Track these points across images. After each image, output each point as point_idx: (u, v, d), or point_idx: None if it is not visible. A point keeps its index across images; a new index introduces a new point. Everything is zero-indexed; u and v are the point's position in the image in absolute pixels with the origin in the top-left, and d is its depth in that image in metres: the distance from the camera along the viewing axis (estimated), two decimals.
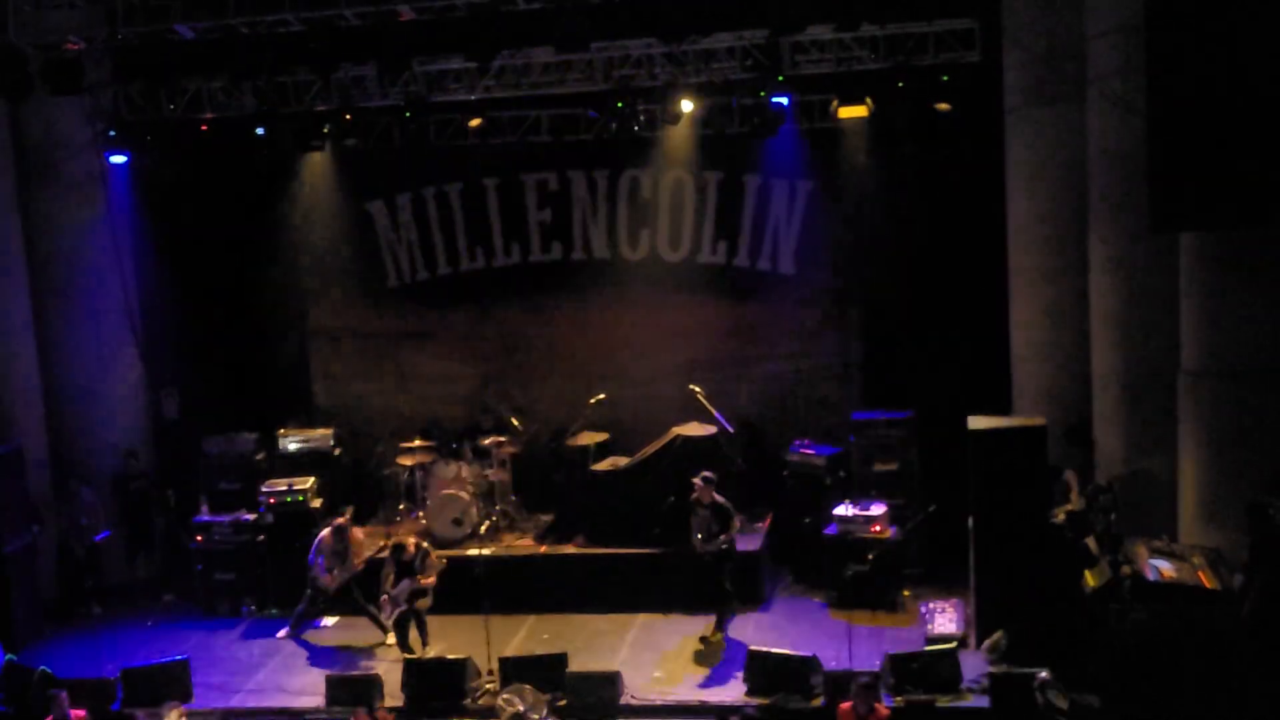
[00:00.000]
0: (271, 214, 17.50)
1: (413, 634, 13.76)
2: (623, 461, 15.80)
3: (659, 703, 12.61)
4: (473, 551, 14.39)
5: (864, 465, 15.11)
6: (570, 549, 15.40)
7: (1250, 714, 10.77)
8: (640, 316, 17.14)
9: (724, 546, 13.61)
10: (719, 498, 13.69)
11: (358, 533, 14.86)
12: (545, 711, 11.99)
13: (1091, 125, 13.51)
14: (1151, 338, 13.04)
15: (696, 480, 13.73)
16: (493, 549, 14.81)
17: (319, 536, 14.44)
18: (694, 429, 15.66)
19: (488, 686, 12.73)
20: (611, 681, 12.61)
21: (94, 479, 16.05)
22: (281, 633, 14.64)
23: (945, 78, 14.16)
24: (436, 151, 16.59)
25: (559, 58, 14.67)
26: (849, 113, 15.08)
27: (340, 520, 14.53)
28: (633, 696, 12.60)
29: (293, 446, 16.54)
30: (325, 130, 15.65)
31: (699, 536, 13.64)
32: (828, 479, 15.00)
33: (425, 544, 14.04)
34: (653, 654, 13.60)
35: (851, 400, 16.39)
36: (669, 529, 14.38)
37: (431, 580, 13.68)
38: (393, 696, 12.67)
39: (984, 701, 11.84)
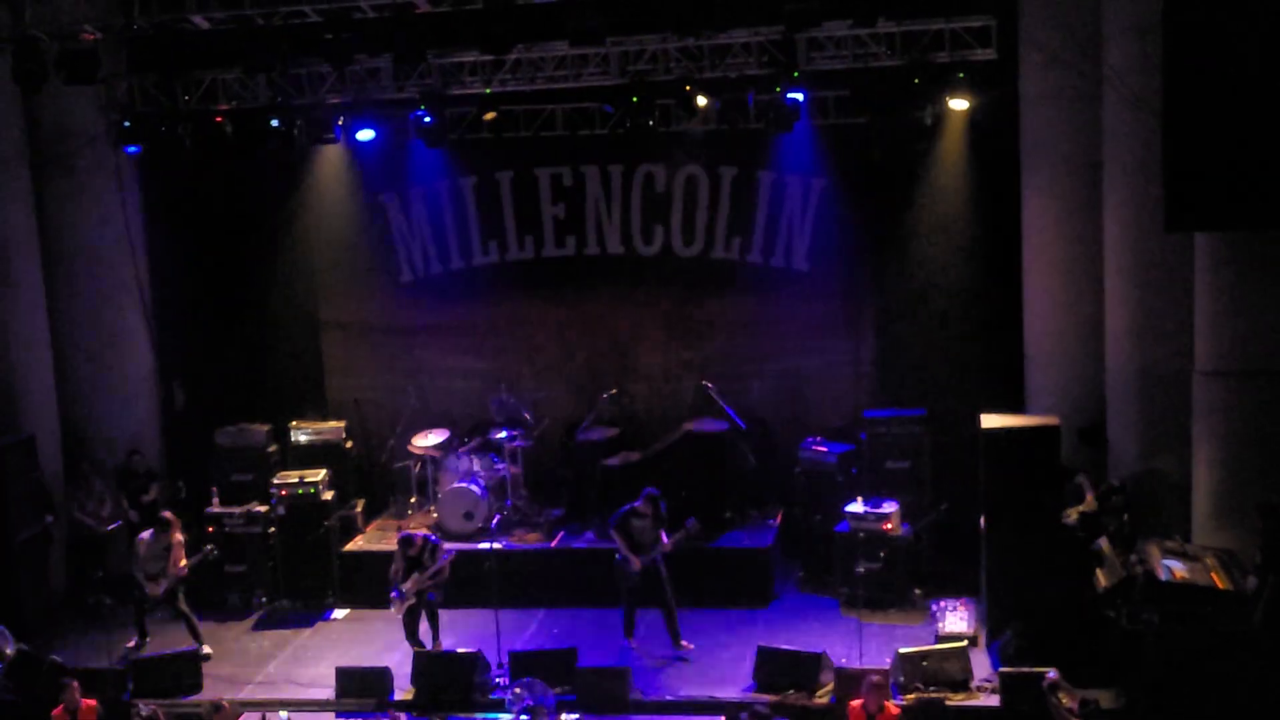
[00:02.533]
0: (285, 206, 17.46)
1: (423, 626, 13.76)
2: (634, 456, 15.79)
3: (668, 698, 12.63)
4: (483, 546, 14.40)
5: (876, 463, 15.05)
6: (581, 544, 15.40)
7: (1262, 716, 10.74)
8: (653, 312, 17.09)
9: (654, 556, 13.35)
10: (660, 510, 13.48)
11: (178, 535, 14.30)
12: (555, 706, 12.00)
13: (1107, 124, 13.48)
14: (1166, 337, 13.02)
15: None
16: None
17: (138, 538, 14.25)
18: (705, 425, 15.65)
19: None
20: (621, 677, 12.61)
21: (104, 470, 16.07)
22: (130, 643, 14.20)
23: (961, 75, 14.10)
24: (450, 145, 16.55)
25: (574, 51, 14.64)
26: None
27: (166, 516, 14.33)
28: (642, 692, 12.61)
29: (304, 439, 16.58)
30: (339, 122, 15.65)
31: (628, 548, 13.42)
32: (839, 477, 14.96)
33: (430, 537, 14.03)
34: (663, 649, 13.59)
35: (864, 397, 16.33)
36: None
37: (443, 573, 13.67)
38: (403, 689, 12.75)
39: (994, 700, 11.84)
